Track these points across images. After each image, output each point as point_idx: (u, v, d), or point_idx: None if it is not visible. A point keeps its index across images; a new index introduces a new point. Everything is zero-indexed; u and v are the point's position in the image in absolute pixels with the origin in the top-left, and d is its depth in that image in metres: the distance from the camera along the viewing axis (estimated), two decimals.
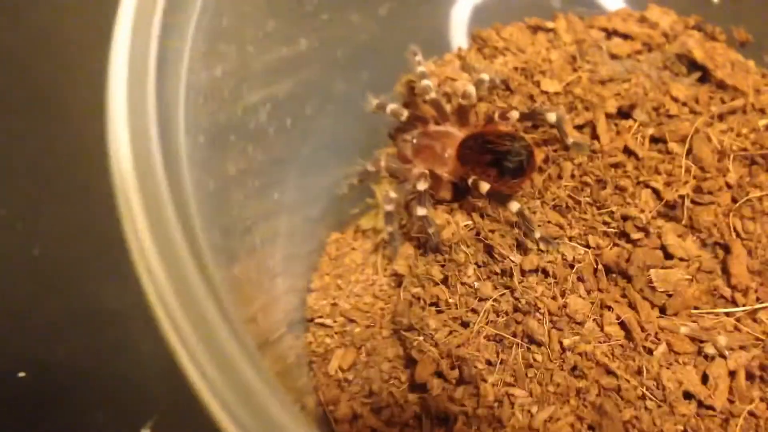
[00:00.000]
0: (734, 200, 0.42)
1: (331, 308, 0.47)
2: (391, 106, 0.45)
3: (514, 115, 0.43)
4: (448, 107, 0.47)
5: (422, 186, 0.42)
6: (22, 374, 0.49)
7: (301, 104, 0.45)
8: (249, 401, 0.25)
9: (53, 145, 0.57)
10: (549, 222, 0.42)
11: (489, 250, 0.42)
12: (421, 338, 0.42)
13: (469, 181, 0.43)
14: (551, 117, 0.43)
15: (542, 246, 0.41)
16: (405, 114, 0.45)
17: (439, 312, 0.42)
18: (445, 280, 0.42)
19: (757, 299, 0.40)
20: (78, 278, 0.53)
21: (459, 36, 0.54)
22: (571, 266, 0.40)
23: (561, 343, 0.39)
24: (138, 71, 0.29)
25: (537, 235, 0.40)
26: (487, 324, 0.41)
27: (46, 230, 0.55)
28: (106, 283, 0.52)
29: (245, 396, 0.25)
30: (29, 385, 0.48)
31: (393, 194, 0.44)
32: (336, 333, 0.46)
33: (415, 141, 0.45)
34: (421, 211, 0.42)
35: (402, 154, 0.46)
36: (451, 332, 0.41)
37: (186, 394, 0.49)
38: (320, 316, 0.47)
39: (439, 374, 0.41)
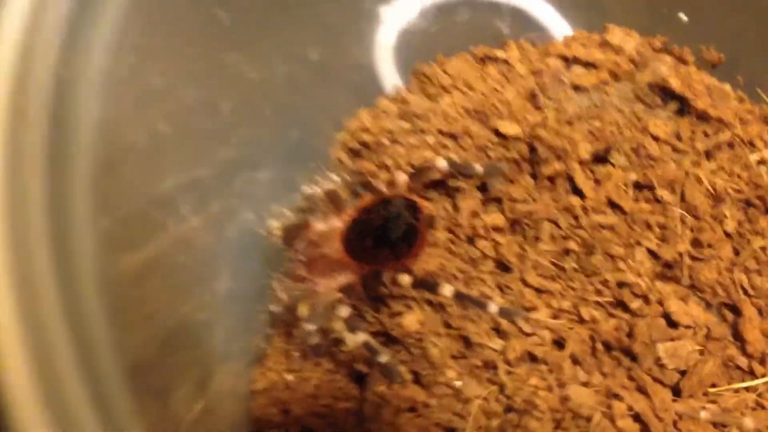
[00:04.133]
0: (736, 252, 0.37)
1: (282, 416, 0.38)
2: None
3: (401, 178, 0.37)
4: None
5: (344, 313, 0.35)
6: None
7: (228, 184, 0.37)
8: None
9: None
10: (529, 294, 0.36)
11: (464, 340, 0.35)
12: None
13: (383, 279, 0.36)
14: (478, 169, 0.38)
15: (505, 321, 0.34)
16: (278, 232, 0.38)
17: (418, 417, 0.35)
18: (417, 380, 0.35)
19: None
20: None
21: (395, 74, 0.46)
22: (560, 345, 0.34)
23: None
24: None
25: (493, 309, 0.34)
26: (478, 430, 0.34)
27: None
28: None
29: None
30: None
31: (310, 326, 0.37)
32: None
33: (301, 256, 0.38)
34: (359, 338, 0.35)
35: (296, 276, 0.38)
36: None
37: None
38: (271, 429, 0.38)
39: None
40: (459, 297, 0.35)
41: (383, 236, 0.36)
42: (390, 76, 0.46)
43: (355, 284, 0.38)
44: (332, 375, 0.39)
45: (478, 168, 0.38)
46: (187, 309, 0.37)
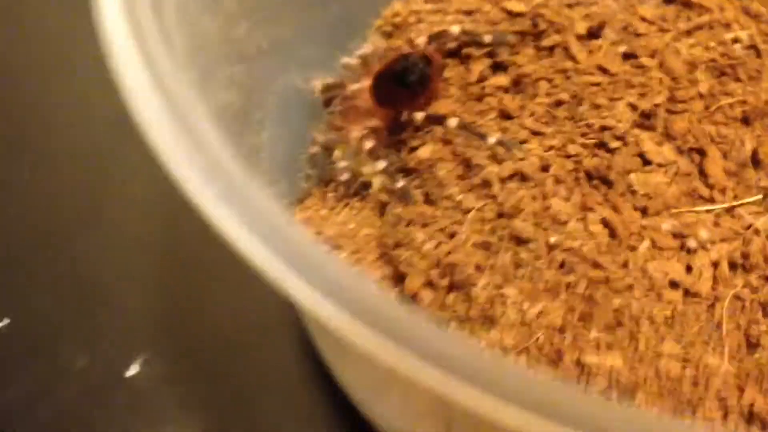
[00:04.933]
0: (707, 108, 0.43)
1: (314, 237, 0.46)
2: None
3: (420, 41, 0.45)
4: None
5: (369, 145, 0.43)
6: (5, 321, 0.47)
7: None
8: None
9: None
10: (525, 134, 0.43)
11: (467, 164, 0.42)
12: (409, 253, 0.42)
13: (402, 118, 0.44)
14: (487, 38, 0.45)
15: (502, 150, 0.41)
16: (319, 89, 0.46)
17: (424, 226, 0.42)
18: (427, 199, 0.43)
19: (735, 197, 0.41)
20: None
21: None
22: (547, 169, 0.41)
23: (547, 241, 0.39)
24: None
25: (492, 140, 0.41)
26: (473, 232, 0.41)
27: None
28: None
29: None
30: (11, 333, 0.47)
31: (343, 162, 0.45)
32: None
33: (338, 108, 0.46)
34: (380, 165, 0.43)
35: (333, 126, 0.46)
36: (438, 244, 0.41)
37: (173, 334, 0.48)
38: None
39: (430, 284, 0.41)
40: (463, 127, 0.42)
41: (401, 81, 0.44)
42: None
43: (380, 127, 0.46)
44: (359, 210, 0.47)
45: (487, 37, 0.46)
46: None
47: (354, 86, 0.47)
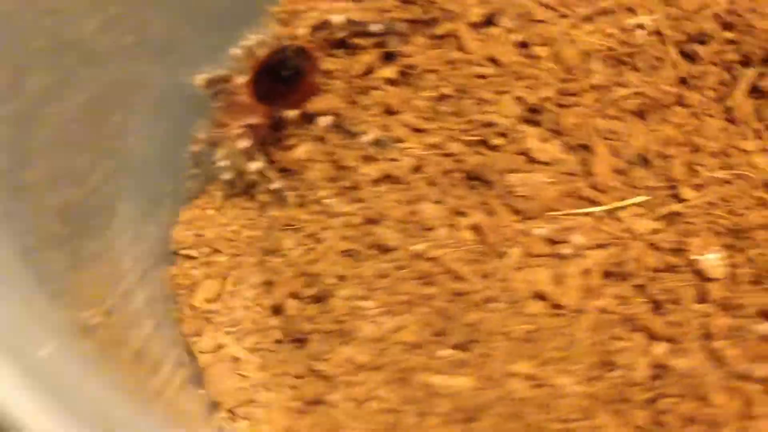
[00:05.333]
0: (598, 100, 0.40)
1: (195, 239, 0.45)
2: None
3: (301, 32, 0.42)
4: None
5: (244, 144, 0.41)
6: None
7: None
8: None
9: None
10: (405, 132, 0.40)
11: (338, 165, 0.40)
12: (279, 260, 0.40)
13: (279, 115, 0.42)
14: (374, 27, 0.42)
15: (376, 150, 0.39)
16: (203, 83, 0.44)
17: (296, 231, 0.40)
18: (300, 202, 0.41)
19: (621, 198, 0.38)
20: None
21: None
22: (417, 169, 0.38)
23: (411, 250, 0.37)
24: None
25: (365, 139, 0.39)
26: (340, 239, 0.39)
27: None
28: None
29: None
30: None
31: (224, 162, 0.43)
32: (202, 264, 0.44)
33: (220, 104, 0.44)
34: (254, 165, 0.41)
35: (216, 122, 0.44)
36: (306, 251, 0.39)
37: None
38: (185, 248, 0.44)
39: (295, 295, 0.39)
40: (336, 126, 0.40)
41: (276, 75, 0.41)
42: None
43: (261, 125, 0.43)
44: (245, 210, 0.45)
45: (375, 26, 0.43)
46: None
47: (239, 79, 0.44)
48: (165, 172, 0.45)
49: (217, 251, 0.44)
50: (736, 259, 0.35)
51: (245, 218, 0.45)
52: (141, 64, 0.42)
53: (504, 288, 0.35)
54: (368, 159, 0.40)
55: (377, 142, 0.40)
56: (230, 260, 0.44)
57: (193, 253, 0.44)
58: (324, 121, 0.40)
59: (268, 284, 0.41)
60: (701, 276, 0.35)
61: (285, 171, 0.43)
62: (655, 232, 0.36)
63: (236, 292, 0.43)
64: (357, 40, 0.44)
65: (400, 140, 0.40)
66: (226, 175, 0.44)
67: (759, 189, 0.37)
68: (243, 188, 0.45)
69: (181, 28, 0.45)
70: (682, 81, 0.40)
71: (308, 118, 0.41)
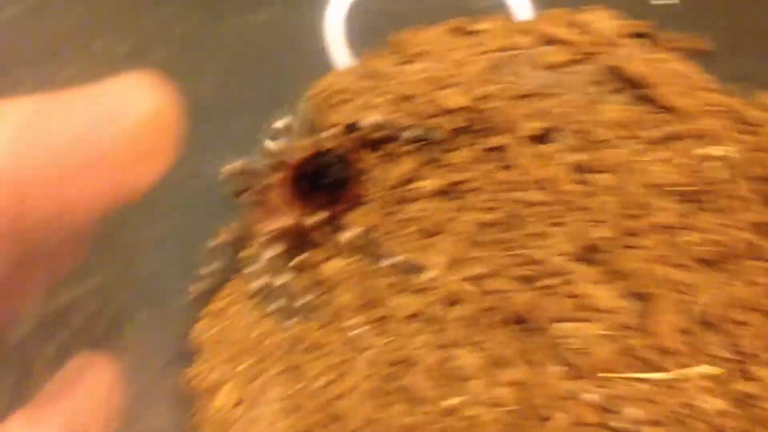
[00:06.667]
0: (662, 244, 0.36)
1: (215, 338, 0.42)
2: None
3: (334, 132, 0.39)
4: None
5: (271, 254, 0.37)
6: None
7: None
8: None
9: None
10: (444, 260, 0.37)
11: (370, 293, 0.36)
12: (301, 385, 0.37)
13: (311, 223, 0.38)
14: (406, 134, 0.39)
15: (399, 275, 0.36)
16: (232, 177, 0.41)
17: (319, 358, 0.37)
18: (324, 325, 0.37)
19: (682, 365, 0.34)
20: None
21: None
22: (456, 306, 0.35)
23: (444, 405, 0.33)
24: None
25: (395, 260, 0.35)
26: (366, 377, 0.35)
27: None
28: None
29: None
30: None
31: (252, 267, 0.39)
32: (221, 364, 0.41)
33: (251, 201, 0.40)
34: (280, 280, 0.37)
35: (244, 220, 0.40)
36: (329, 382, 0.36)
37: None
38: (203, 348, 0.41)
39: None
40: (365, 243, 0.37)
41: (316, 182, 0.38)
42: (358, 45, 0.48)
43: (290, 229, 0.40)
44: (267, 318, 0.42)
45: (411, 132, 0.39)
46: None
47: (270, 177, 0.41)
48: (182, 270, 0.42)
49: (238, 355, 0.41)
50: None
51: (273, 320, 0.42)
52: None
53: None
54: (399, 288, 0.36)
55: (405, 268, 0.36)
56: (251, 368, 0.41)
57: (211, 354, 0.41)
58: (352, 233, 0.36)
59: (290, 409, 0.38)
60: None
61: (313, 285, 0.39)
62: (723, 414, 0.32)
63: (257, 402, 0.40)
64: (394, 146, 0.40)
65: (435, 267, 0.37)
66: (252, 283, 0.41)
67: None
68: (267, 295, 0.42)
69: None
70: (756, 227, 0.36)
71: (336, 227, 0.37)
